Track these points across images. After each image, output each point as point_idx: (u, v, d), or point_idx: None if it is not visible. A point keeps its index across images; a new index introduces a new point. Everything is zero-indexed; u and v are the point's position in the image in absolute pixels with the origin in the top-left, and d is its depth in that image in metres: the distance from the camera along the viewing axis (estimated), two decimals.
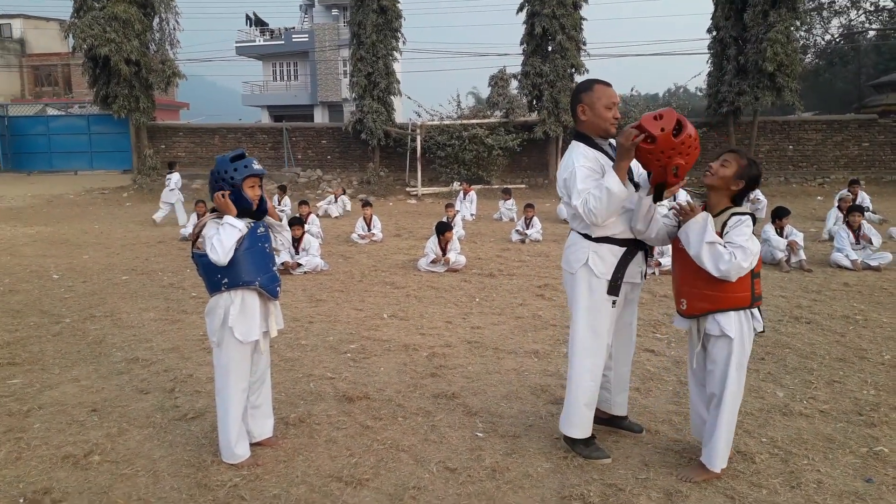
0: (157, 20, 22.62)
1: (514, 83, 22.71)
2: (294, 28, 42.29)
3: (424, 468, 3.28)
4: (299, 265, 8.59)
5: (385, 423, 3.83)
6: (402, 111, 29.08)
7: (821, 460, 3.32)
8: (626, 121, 16.80)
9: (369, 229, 11.56)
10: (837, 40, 34.61)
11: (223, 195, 3.20)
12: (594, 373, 3.31)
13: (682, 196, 11.34)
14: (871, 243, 8.59)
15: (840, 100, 33.76)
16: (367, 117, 21.68)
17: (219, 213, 3.25)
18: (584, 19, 21.15)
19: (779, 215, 9.03)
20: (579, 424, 3.35)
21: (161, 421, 3.88)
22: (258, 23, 43.50)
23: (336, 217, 15.66)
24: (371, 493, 3.05)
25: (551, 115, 20.82)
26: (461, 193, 16.23)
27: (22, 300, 7.07)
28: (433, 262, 8.70)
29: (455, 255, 8.75)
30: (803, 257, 8.61)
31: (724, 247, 2.92)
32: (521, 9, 21.28)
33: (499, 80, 23.14)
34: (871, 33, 34.91)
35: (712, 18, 21.14)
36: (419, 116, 23.00)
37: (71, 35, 21.13)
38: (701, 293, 3.03)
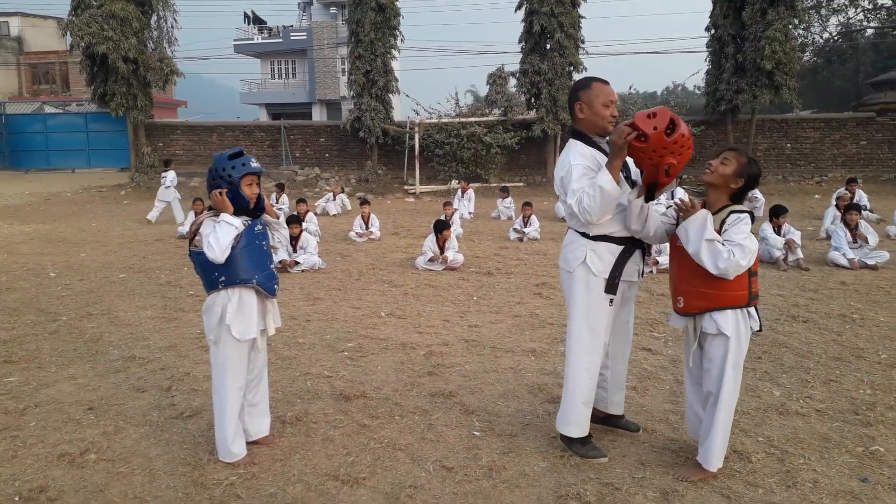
0: (154, 18, 22.59)
1: (513, 81, 22.71)
2: (292, 26, 42.22)
3: (421, 467, 3.28)
4: (297, 263, 8.58)
5: (382, 422, 3.82)
6: (401, 109, 29.04)
7: (817, 460, 3.32)
8: (624, 119, 16.76)
9: (367, 227, 11.55)
10: (835, 38, 34.62)
11: (220, 193, 3.20)
12: (591, 371, 3.31)
13: (680, 194, 11.35)
14: (868, 242, 8.60)
15: (838, 98, 33.75)
16: (365, 115, 21.66)
17: (216, 210, 3.25)
18: (582, 17, 21.13)
19: (776, 213, 9.04)
20: (576, 423, 3.35)
21: (157, 419, 3.87)
22: (256, 21, 43.43)
23: (334, 215, 15.65)
24: (367, 491, 3.05)
25: (549, 113, 20.82)
26: (459, 192, 16.24)
27: (19, 298, 7.06)
28: (431, 260, 8.69)
29: (453, 254, 8.75)
30: (801, 256, 8.62)
31: (723, 245, 2.92)
32: (519, 6, 21.26)
33: (497, 78, 23.14)
34: (870, 31, 34.93)
35: (711, 16, 21.14)
36: (417, 114, 22.97)
37: (69, 33, 21.09)
38: (698, 291, 3.03)
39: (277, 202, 15.09)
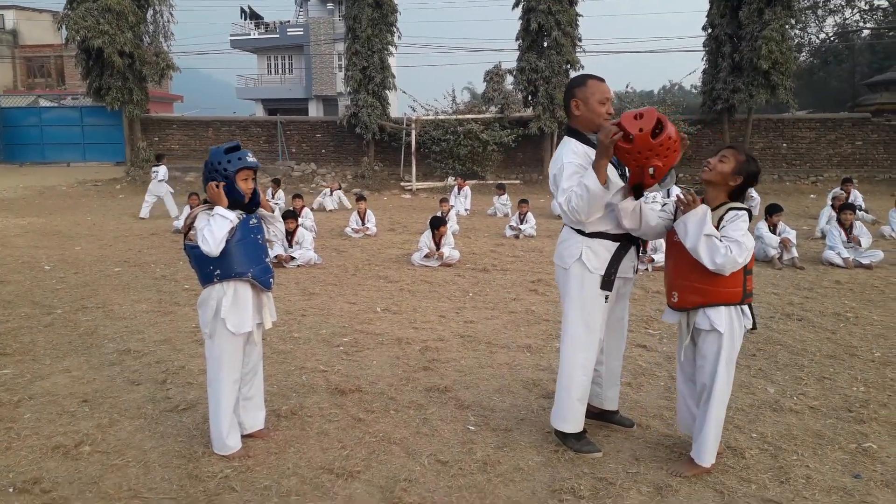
0: (150, 12, 22.48)
1: (510, 78, 22.74)
2: (289, 22, 42.11)
3: (416, 461, 3.29)
4: (293, 258, 8.57)
5: (377, 416, 3.83)
6: (397, 106, 29.02)
7: (810, 456, 3.34)
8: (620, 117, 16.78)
9: (363, 223, 11.55)
10: (832, 39, 34.73)
11: (216, 185, 3.19)
12: (586, 367, 3.32)
13: (676, 192, 11.37)
14: (860, 245, 8.63)
15: (834, 98, 33.86)
16: (361, 111, 21.63)
17: (210, 204, 3.24)
18: (579, 15, 21.14)
19: (771, 212, 9.07)
20: (571, 419, 3.35)
21: (152, 412, 3.87)
22: (253, 16, 43.30)
23: (331, 210, 15.64)
24: (362, 485, 3.06)
25: (546, 110, 20.83)
26: (455, 188, 16.24)
27: (13, 291, 7.03)
28: (427, 256, 8.70)
29: (449, 250, 8.75)
30: (796, 255, 8.65)
31: (721, 241, 2.93)
32: (516, 4, 21.25)
33: (494, 76, 23.19)
34: (866, 32, 35.04)
35: (708, 16, 21.17)
36: (414, 111, 22.96)
37: (64, 26, 20.97)
38: (693, 286, 3.04)
39: (273, 197, 15.05)
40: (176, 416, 3.82)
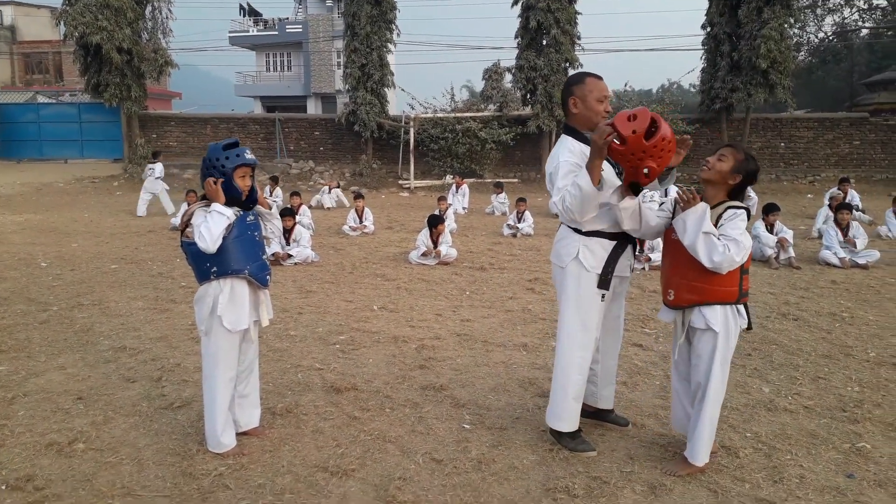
0: (149, 8, 22.49)
1: (508, 77, 22.72)
2: (288, 19, 42.06)
3: (411, 459, 3.29)
4: (290, 256, 8.57)
5: (372, 414, 3.83)
6: (396, 103, 29.00)
7: (804, 456, 3.34)
8: None
9: (361, 221, 11.54)
10: (831, 38, 34.74)
11: (214, 181, 3.18)
12: (582, 366, 3.31)
13: (673, 192, 11.38)
14: (855, 247, 8.64)
15: (832, 98, 33.89)
16: (360, 109, 21.62)
17: (208, 201, 3.23)
18: (578, 13, 21.15)
19: (768, 211, 9.09)
20: (566, 418, 3.35)
21: (147, 410, 3.86)
22: (252, 13, 43.25)
23: (329, 208, 15.63)
24: (357, 483, 3.06)
25: (545, 109, 20.83)
26: (454, 187, 16.24)
27: (9, 287, 7.02)
28: (424, 254, 8.69)
29: (446, 248, 8.75)
30: (792, 254, 8.66)
31: (719, 239, 2.93)
32: (515, 2, 21.26)
33: (493, 74, 23.16)
34: (865, 31, 35.06)
35: (707, 14, 21.19)
36: (413, 109, 22.97)
37: (62, 22, 20.95)
38: (690, 285, 3.04)
39: (271, 195, 15.03)
40: (171, 413, 3.82)
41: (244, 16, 42.89)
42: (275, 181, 15.83)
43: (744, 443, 3.47)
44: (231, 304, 3.25)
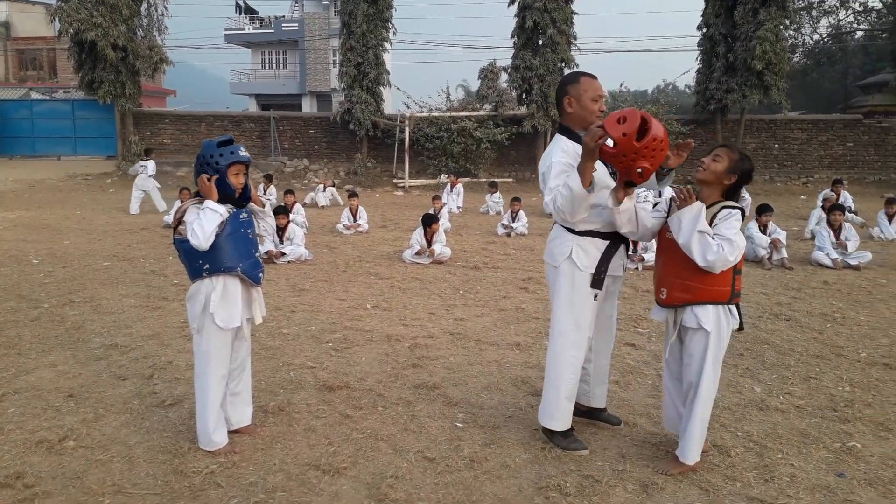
0: (144, 5, 22.37)
1: (504, 76, 22.72)
2: (284, 16, 41.96)
3: (403, 457, 3.28)
4: (283, 254, 8.55)
5: (365, 413, 3.82)
6: (391, 102, 29.00)
7: (795, 455, 3.35)
8: None
9: (355, 220, 11.53)
10: (826, 40, 34.86)
11: (207, 178, 3.17)
12: (575, 365, 3.32)
13: (668, 192, 11.40)
14: (846, 250, 8.68)
15: (826, 100, 34.03)
16: (355, 107, 21.58)
17: (201, 198, 3.22)
18: (575, 14, 21.15)
19: (760, 211, 9.14)
20: (559, 417, 3.36)
21: (138, 407, 3.85)
22: (248, 10, 43.11)
23: (323, 207, 15.61)
24: (349, 481, 3.05)
25: (540, 109, 20.84)
26: (448, 186, 16.23)
27: (0, 284, 6.98)
28: (418, 253, 8.69)
29: (440, 247, 8.75)
30: (785, 255, 8.69)
31: (713, 238, 2.93)
32: (512, 1, 21.24)
33: (489, 73, 23.18)
34: (859, 34, 35.20)
35: (703, 15, 21.22)
36: (408, 108, 22.95)
37: (57, 19, 20.82)
38: (683, 283, 3.04)
39: (265, 193, 15.02)
40: (162, 411, 3.80)
41: (240, 13, 42.76)
42: (269, 179, 15.82)
43: (735, 442, 3.48)
44: (223, 301, 3.24)
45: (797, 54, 33.52)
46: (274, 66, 42.14)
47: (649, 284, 7.19)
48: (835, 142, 22.02)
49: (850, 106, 27.10)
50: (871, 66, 33.03)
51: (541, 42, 20.87)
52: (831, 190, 13.11)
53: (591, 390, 3.60)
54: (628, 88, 24.56)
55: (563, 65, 20.97)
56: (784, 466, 3.22)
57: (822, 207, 11.16)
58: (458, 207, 15.37)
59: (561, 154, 3.16)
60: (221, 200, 3.20)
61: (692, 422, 3.08)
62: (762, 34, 18.76)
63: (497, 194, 15.22)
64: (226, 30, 41.62)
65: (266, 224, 3.58)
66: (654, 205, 3.30)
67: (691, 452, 3.10)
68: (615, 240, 3.26)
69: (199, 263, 3.20)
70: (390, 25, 22.27)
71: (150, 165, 14.29)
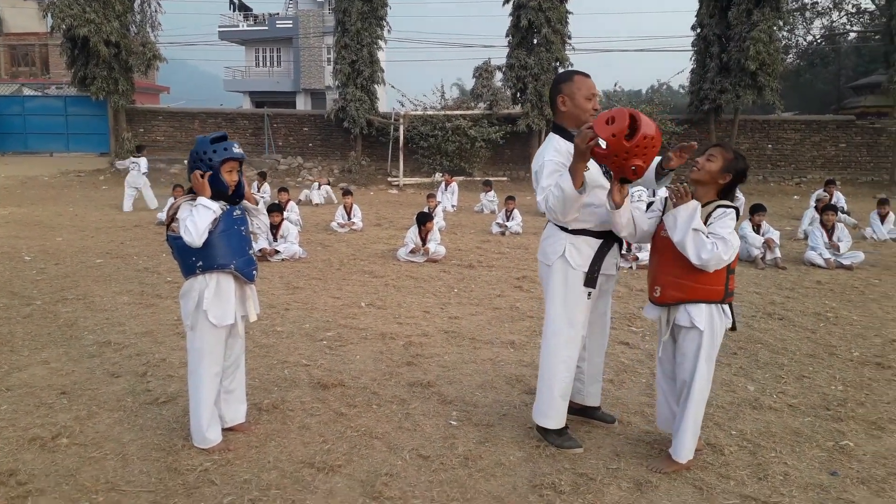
0: (138, 1, 22.28)
1: (499, 75, 22.72)
2: (278, 14, 41.83)
3: (397, 455, 3.28)
4: (277, 252, 8.53)
5: (359, 411, 3.82)
6: (386, 100, 28.94)
7: (788, 453, 3.37)
8: None
9: (349, 218, 11.51)
10: (819, 41, 35.00)
11: (200, 175, 3.15)
12: (568, 364, 3.32)
13: (662, 193, 11.43)
14: (839, 250, 8.73)
15: (820, 100, 34.20)
16: (349, 105, 21.55)
17: (194, 195, 3.20)
18: (569, 13, 21.18)
19: (754, 211, 9.18)
20: (553, 415, 3.36)
21: (132, 405, 3.83)
22: (242, 7, 42.94)
23: (317, 204, 15.57)
24: (343, 479, 3.05)
25: (535, 108, 20.87)
26: (443, 184, 16.23)
27: None
28: (413, 251, 8.68)
29: (435, 246, 8.74)
30: (778, 255, 8.73)
31: (707, 236, 2.94)
32: (506, 0, 21.25)
33: (483, 72, 23.15)
34: (852, 35, 35.36)
35: (697, 15, 21.29)
36: (402, 106, 22.92)
37: (49, 14, 20.72)
38: (676, 282, 3.05)
39: (259, 191, 14.97)
40: (156, 408, 3.79)
41: (234, 10, 42.59)
42: (263, 177, 15.77)
43: (729, 440, 3.49)
44: (217, 298, 3.23)
45: (790, 55, 33.65)
46: (268, 64, 42.00)
47: (643, 283, 7.21)
48: (828, 142, 22.13)
49: (843, 107, 27.24)
50: (864, 67, 33.19)
51: (535, 41, 20.90)
52: (824, 190, 13.18)
53: (585, 389, 3.61)
54: (622, 88, 24.63)
55: (558, 64, 21.00)
56: (777, 465, 3.24)
57: (815, 208, 11.22)
58: (453, 206, 15.37)
59: (553, 153, 3.16)
60: (214, 197, 3.18)
61: (685, 420, 3.09)
62: (756, 35, 18.84)
63: (491, 193, 15.22)
64: (220, 27, 41.45)
65: (259, 221, 3.57)
66: (648, 204, 3.30)
67: (684, 451, 3.11)
68: (608, 238, 3.27)
69: (193, 260, 3.19)
70: (385, 23, 22.26)
71: (143, 162, 14.21)
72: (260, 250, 8.22)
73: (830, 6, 32.96)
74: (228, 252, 3.22)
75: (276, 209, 8.96)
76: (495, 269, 8.23)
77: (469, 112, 22.28)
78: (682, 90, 38.92)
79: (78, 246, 9.28)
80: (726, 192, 3.12)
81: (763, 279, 7.87)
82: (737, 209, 3.07)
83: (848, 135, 22.05)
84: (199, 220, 3.07)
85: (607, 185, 3.21)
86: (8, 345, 4.86)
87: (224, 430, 3.41)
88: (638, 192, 10.58)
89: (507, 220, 11.54)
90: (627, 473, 3.13)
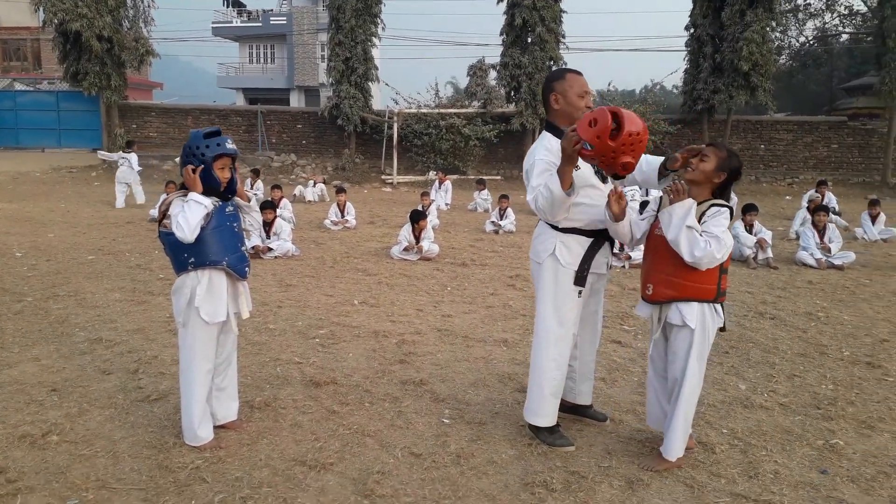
0: None
1: (493, 74, 22.72)
2: (272, 10, 41.69)
3: (389, 453, 3.28)
4: (270, 249, 8.50)
5: (352, 409, 3.81)
6: (380, 98, 28.90)
7: (778, 452, 3.39)
8: None
9: (343, 216, 11.49)
10: (811, 43, 35.15)
11: (192, 170, 3.14)
12: (559, 362, 3.32)
13: (656, 194, 11.46)
14: (830, 252, 8.78)
15: (812, 102, 34.33)
16: (343, 103, 21.51)
17: (185, 191, 3.19)
18: (563, 12, 21.20)
19: (746, 210, 9.22)
20: (543, 413, 3.36)
21: (123, 402, 3.81)
22: (236, 3, 42.79)
23: (310, 202, 15.54)
24: (335, 477, 3.04)
25: (529, 106, 20.87)
26: (437, 182, 16.22)
27: None
28: (406, 249, 8.68)
29: (428, 244, 8.74)
30: (770, 255, 8.77)
31: (701, 235, 2.95)
32: None
33: (477, 70, 23.13)
34: (845, 37, 35.52)
35: (690, 16, 21.34)
36: (396, 104, 22.88)
37: (41, 9, 20.56)
38: (669, 280, 3.05)
39: (252, 188, 14.92)
40: (147, 406, 3.77)
41: (228, 6, 42.43)
42: (256, 174, 15.71)
43: (720, 439, 3.51)
44: (209, 295, 3.21)
45: (783, 56, 33.78)
46: (262, 60, 41.87)
47: (636, 282, 7.22)
48: (820, 143, 22.25)
49: (835, 108, 27.36)
50: (856, 68, 33.34)
51: (529, 40, 20.91)
52: (816, 191, 13.24)
53: (577, 387, 3.62)
54: (616, 88, 24.67)
55: (552, 63, 21.03)
56: (768, 463, 3.25)
57: (807, 208, 11.28)
58: (447, 204, 15.37)
59: (545, 152, 3.16)
60: (206, 193, 3.16)
61: (675, 419, 3.10)
62: (749, 35, 18.90)
63: (485, 191, 15.23)
64: (213, 22, 41.30)
65: (252, 218, 3.55)
66: (642, 204, 3.31)
67: (674, 449, 3.12)
68: (599, 237, 3.27)
69: (185, 257, 3.17)
70: (379, 21, 22.22)
71: (133, 158, 14.13)
72: (253, 247, 8.20)
73: (823, 8, 33.13)
74: (221, 248, 3.21)
75: (269, 206, 8.94)
76: (488, 268, 8.24)
77: (463, 110, 22.27)
78: (675, 90, 39.01)
79: (69, 242, 9.23)
80: (722, 192, 3.12)
81: (755, 279, 7.91)
82: (731, 208, 3.08)
83: (840, 136, 22.17)
84: (190, 215, 3.06)
85: (599, 184, 3.23)
86: None
87: (216, 427, 3.40)
88: (631, 192, 10.60)
89: (501, 219, 11.55)
90: (619, 472, 3.14)
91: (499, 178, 21.45)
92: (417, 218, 8.79)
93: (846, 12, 33.37)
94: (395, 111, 22.05)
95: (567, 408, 3.62)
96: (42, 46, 38.01)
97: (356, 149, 22.69)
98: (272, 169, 21.75)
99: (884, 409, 4.00)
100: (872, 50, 24.02)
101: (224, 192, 3.26)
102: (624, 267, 8.20)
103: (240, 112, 24.97)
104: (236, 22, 41.55)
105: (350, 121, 21.57)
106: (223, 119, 23.96)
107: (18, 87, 29.70)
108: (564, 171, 2.92)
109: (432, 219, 11.14)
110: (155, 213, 11.57)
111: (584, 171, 3.13)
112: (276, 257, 8.47)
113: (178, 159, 3.33)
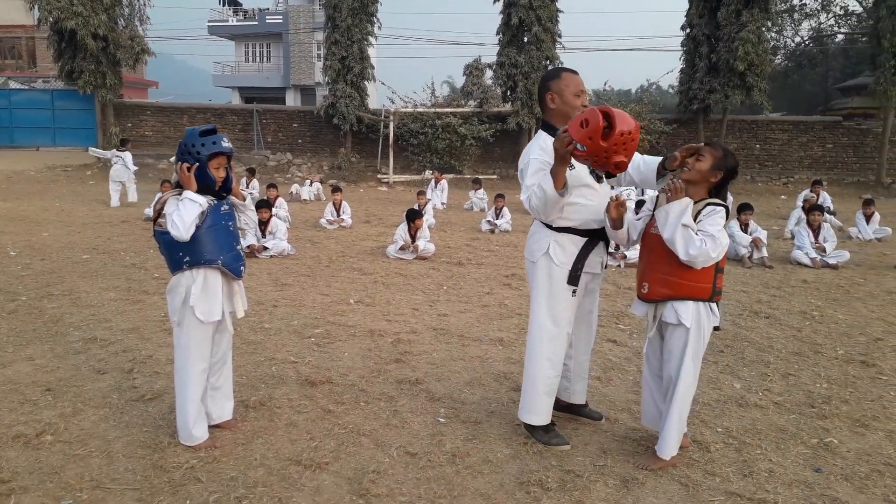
0: None
1: (489, 73, 22.73)
2: (268, 9, 41.62)
3: (385, 452, 3.28)
4: (265, 248, 8.49)
5: (347, 408, 3.81)
6: (376, 97, 28.86)
7: (773, 450, 3.39)
8: None
9: (339, 215, 11.48)
10: (807, 43, 35.24)
11: (187, 168, 3.13)
12: (553, 361, 3.33)
13: (651, 194, 11.48)
14: (825, 252, 8.81)
15: (807, 102, 34.42)
16: (339, 102, 21.49)
17: (180, 189, 3.18)
18: (560, 11, 21.21)
19: (741, 210, 9.24)
20: (538, 412, 3.36)
21: (118, 402, 3.80)
22: (231, 2, 42.70)
23: (305, 201, 15.52)
24: (330, 476, 3.04)
25: (525, 106, 20.89)
26: (433, 182, 16.23)
27: None
28: (402, 249, 8.67)
29: (424, 243, 8.74)
30: (765, 254, 8.79)
31: (696, 233, 2.95)
32: None
33: (474, 70, 23.12)
34: (840, 37, 35.62)
35: (686, 16, 21.37)
36: (393, 103, 22.87)
37: (36, 7, 20.49)
38: (665, 279, 3.06)
39: (248, 187, 14.89)
40: (142, 405, 3.76)
41: (224, 5, 42.34)
42: (252, 173, 15.68)
43: (715, 437, 3.52)
44: (204, 294, 3.21)
45: (779, 56, 33.84)
46: (257, 59, 41.81)
47: (631, 281, 7.24)
48: (815, 143, 22.32)
49: (830, 108, 27.42)
50: (851, 69, 33.43)
51: (526, 39, 20.92)
52: (811, 190, 13.29)
53: (571, 386, 3.62)
54: (612, 87, 24.69)
55: (548, 62, 21.05)
56: (763, 462, 3.26)
57: (802, 208, 11.31)
58: (443, 204, 15.37)
59: (539, 152, 3.16)
60: (201, 191, 3.15)
61: (670, 417, 3.10)
62: (745, 36, 18.95)
63: (481, 191, 15.24)
64: (209, 21, 41.21)
65: (247, 217, 3.54)
66: (638, 204, 3.32)
67: (668, 448, 3.12)
68: (593, 237, 3.27)
69: (180, 256, 3.16)
70: (375, 20, 22.21)
71: (128, 157, 14.09)
72: (248, 246, 8.18)
73: (818, 8, 33.20)
74: (216, 247, 3.20)
75: (264, 205, 8.93)
76: (484, 267, 8.24)
77: (459, 110, 22.28)
78: (671, 90, 39.11)
79: (64, 241, 9.20)
80: (718, 191, 3.13)
81: (750, 278, 7.93)
82: (727, 207, 3.08)
83: (835, 136, 22.24)
84: (185, 213, 3.05)
85: (593, 184, 3.23)
86: None
87: (211, 427, 3.39)
88: (626, 192, 10.62)
89: (497, 218, 11.55)
90: (614, 470, 3.14)
91: (495, 177, 21.45)
92: (413, 217, 8.79)
93: (841, 12, 33.48)
94: (391, 110, 22.04)
95: (562, 407, 3.63)
96: (37, 44, 37.83)
97: (352, 148, 22.68)
98: (268, 168, 21.73)
99: (878, 407, 4.01)
100: (867, 50, 24.07)
101: (219, 190, 3.25)
102: (619, 266, 8.22)
103: (235, 111, 24.93)
104: (232, 21, 41.48)
105: (346, 120, 21.55)
106: (219, 118, 23.91)
107: (13, 85, 29.56)
108: (557, 172, 2.92)
109: (428, 218, 11.15)
110: (150, 212, 11.54)
111: (579, 170, 3.14)
112: (271, 256, 8.46)
113: (173, 158, 3.30)
